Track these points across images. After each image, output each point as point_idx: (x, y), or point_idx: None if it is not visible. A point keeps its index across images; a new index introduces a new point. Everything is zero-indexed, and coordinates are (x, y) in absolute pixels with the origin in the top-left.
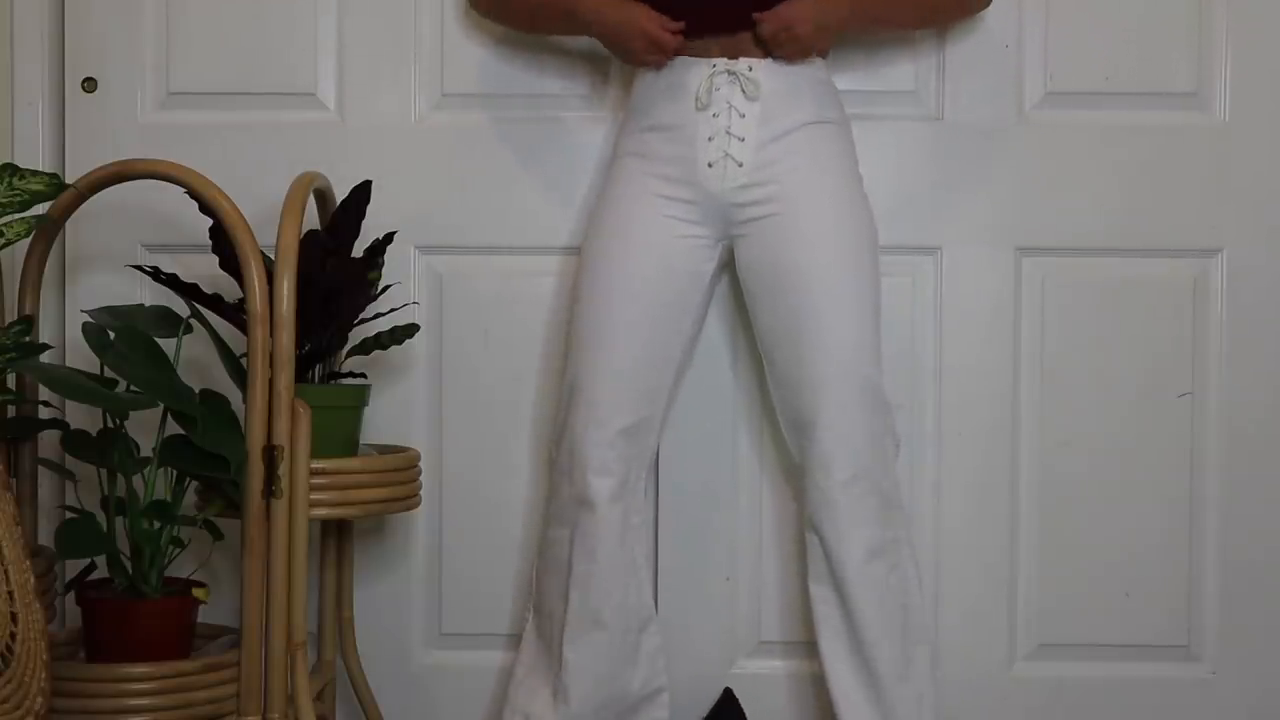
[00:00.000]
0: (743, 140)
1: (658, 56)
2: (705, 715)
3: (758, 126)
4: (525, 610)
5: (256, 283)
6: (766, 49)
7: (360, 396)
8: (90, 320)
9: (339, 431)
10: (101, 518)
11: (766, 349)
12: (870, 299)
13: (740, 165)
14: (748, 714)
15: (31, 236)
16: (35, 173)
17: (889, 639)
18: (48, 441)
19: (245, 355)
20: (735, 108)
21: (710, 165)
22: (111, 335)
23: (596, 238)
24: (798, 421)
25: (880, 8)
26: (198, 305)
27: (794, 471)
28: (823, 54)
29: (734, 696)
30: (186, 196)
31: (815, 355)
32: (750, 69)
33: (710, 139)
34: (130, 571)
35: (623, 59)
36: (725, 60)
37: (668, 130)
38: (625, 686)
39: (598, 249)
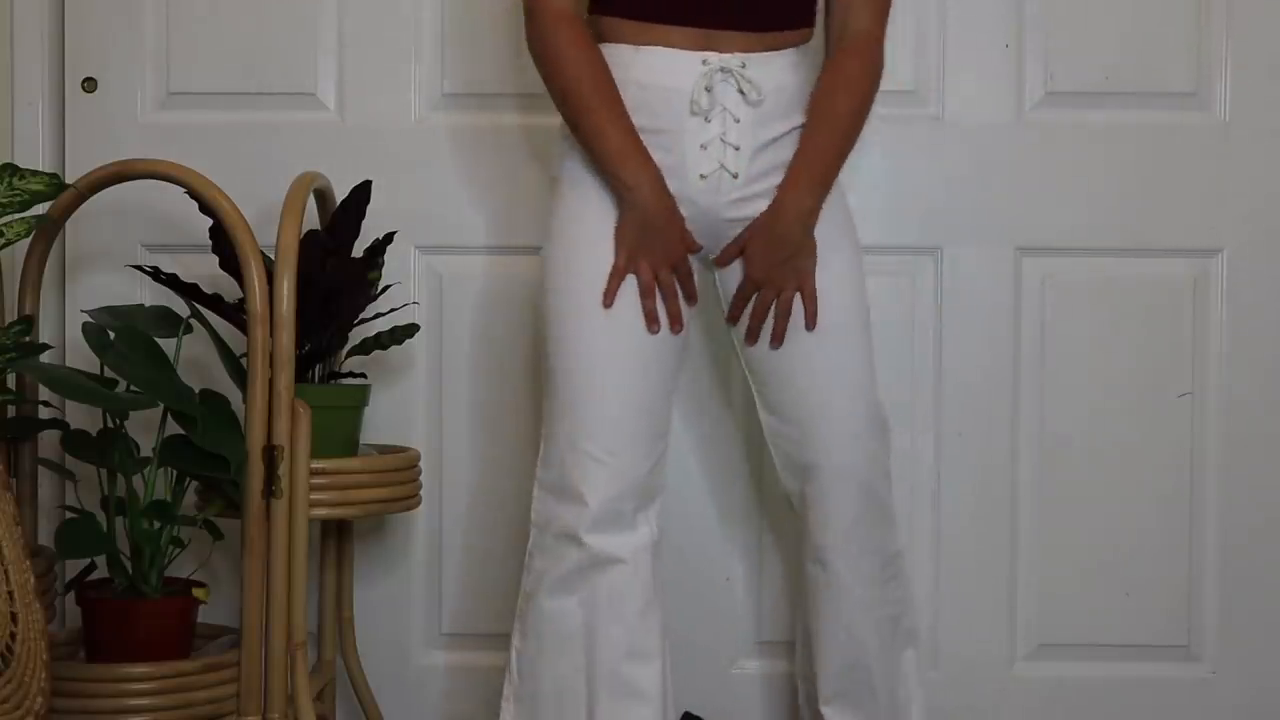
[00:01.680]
0: (738, 149)
1: (664, 270)
2: None
3: (753, 132)
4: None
5: (256, 283)
6: (760, 40)
7: (360, 396)
8: (90, 320)
9: (339, 431)
10: (101, 518)
11: (759, 380)
12: (867, 316)
13: (735, 177)
14: (748, 714)
15: (31, 236)
16: (35, 173)
17: (880, 655)
18: (48, 441)
19: (245, 355)
20: (730, 111)
21: (703, 177)
22: (111, 335)
23: (571, 266)
24: (797, 459)
25: (840, 157)
26: (198, 305)
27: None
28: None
29: (694, 716)
30: (186, 196)
31: (816, 392)
32: (744, 65)
33: (704, 147)
34: (130, 571)
35: (630, 238)
36: (716, 55)
37: (647, 135)
38: None
39: (574, 279)
